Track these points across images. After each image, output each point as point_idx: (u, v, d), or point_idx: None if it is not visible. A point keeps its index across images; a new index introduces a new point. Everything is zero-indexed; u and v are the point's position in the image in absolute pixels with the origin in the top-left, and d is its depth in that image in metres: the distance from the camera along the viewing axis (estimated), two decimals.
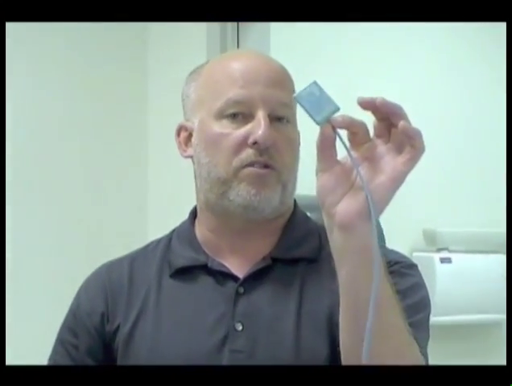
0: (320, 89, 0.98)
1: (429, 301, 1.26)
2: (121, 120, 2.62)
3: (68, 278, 2.32)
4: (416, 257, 2.94)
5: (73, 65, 2.51)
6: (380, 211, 0.99)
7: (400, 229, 2.67)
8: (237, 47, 2.52)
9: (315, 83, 0.99)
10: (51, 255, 2.43)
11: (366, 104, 0.97)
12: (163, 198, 2.61)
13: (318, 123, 0.98)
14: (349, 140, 0.99)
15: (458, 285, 2.99)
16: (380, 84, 2.82)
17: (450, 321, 2.95)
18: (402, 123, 0.96)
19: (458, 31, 3.09)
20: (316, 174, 1.01)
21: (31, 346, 2.21)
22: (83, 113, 2.53)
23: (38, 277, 2.40)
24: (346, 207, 0.98)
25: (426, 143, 0.97)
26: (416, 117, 1.02)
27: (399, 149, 0.97)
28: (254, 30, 2.53)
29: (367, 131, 0.99)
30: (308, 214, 1.35)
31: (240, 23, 2.52)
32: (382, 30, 2.78)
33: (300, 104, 0.98)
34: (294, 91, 1.27)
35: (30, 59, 2.43)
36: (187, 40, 2.55)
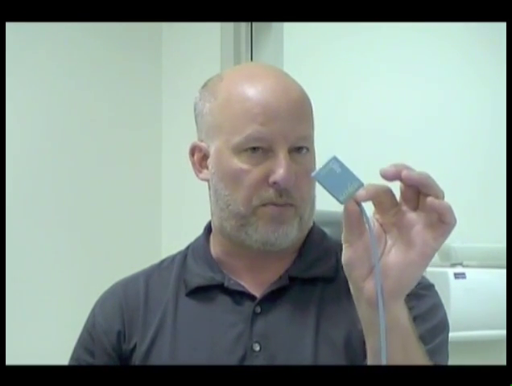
0: (341, 165, 0.93)
1: (447, 321, 1.25)
2: (135, 124, 2.62)
3: (80, 291, 2.34)
4: (430, 272, 2.89)
5: (84, 69, 2.50)
6: (410, 288, 0.97)
7: None
8: (251, 47, 2.53)
9: (335, 158, 0.93)
10: (62, 266, 2.43)
11: (391, 176, 0.92)
12: (177, 211, 2.61)
13: (341, 202, 0.93)
14: (375, 206, 0.96)
15: (472, 301, 2.97)
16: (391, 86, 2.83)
17: (464, 336, 2.92)
18: (429, 199, 0.92)
19: (448, 32, 3.05)
20: (343, 243, 0.97)
21: (31, 347, 2.23)
22: (96, 121, 2.53)
23: (47, 289, 2.40)
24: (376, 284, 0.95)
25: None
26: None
27: (429, 219, 0.93)
28: (268, 30, 2.54)
29: (393, 197, 0.95)
30: (325, 229, 1.34)
31: (254, 23, 2.53)
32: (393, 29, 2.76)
33: (320, 183, 0.93)
34: (312, 115, 1.25)
35: (42, 58, 2.42)
36: (201, 40, 2.56)
